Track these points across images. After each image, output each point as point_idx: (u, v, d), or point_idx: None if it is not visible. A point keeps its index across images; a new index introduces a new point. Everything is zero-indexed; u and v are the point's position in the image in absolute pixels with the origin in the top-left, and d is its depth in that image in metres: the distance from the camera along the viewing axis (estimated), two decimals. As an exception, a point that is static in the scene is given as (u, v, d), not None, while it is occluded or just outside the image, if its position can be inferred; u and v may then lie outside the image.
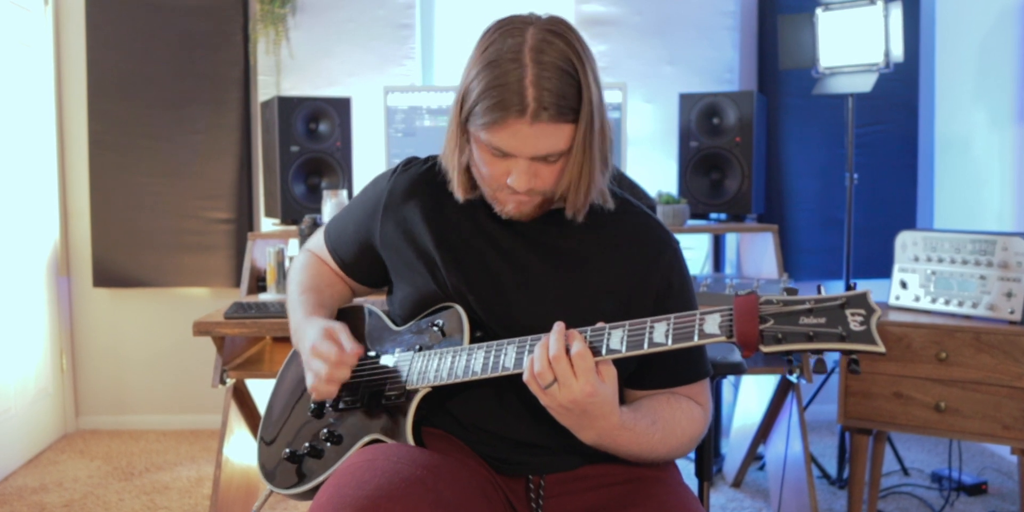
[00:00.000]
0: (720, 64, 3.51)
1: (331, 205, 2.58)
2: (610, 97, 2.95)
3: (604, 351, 1.14)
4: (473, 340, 1.27)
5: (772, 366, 2.46)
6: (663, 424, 1.25)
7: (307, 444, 1.32)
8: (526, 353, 1.19)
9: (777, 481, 2.64)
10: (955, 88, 3.49)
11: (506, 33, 1.20)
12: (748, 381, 3.18)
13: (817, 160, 3.51)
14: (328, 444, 1.31)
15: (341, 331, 1.31)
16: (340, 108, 3.02)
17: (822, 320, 1.04)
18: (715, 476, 3.09)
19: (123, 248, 3.56)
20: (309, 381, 1.31)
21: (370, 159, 3.29)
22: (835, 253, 3.45)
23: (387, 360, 1.35)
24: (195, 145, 3.53)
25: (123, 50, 3.50)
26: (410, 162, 1.43)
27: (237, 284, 3.55)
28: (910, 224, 3.53)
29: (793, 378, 2.47)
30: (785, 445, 2.53)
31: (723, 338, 1.08)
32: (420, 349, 1.31)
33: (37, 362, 3.35)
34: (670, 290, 1.32)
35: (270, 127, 3.02)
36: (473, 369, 1.23)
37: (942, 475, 2.90)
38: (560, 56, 1.18)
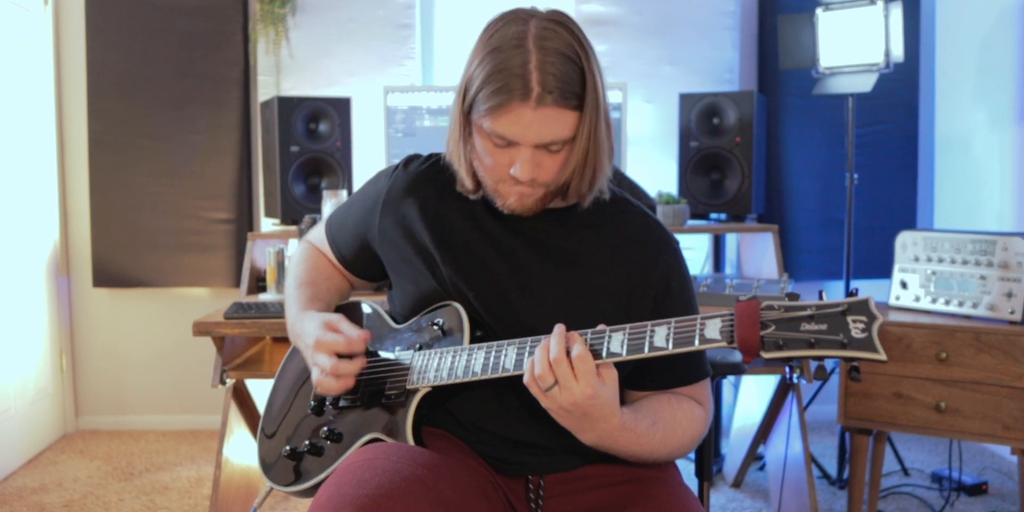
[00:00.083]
0: (720, 64, 3.51)
1: (331, 205, 2.58)
2: (610, 97, 2.90)
3: (604, 354, 1.14)
4: (473, 339, 1.27)
5: (772, 366, 2.46)
6: (664, 424, 1.25)
7: (307, 441, 1.32)
8: (526, 355, 1.19)
9: (777, 481, 2.64)
10: (955, 88, 3.48)
11: (509, 23, 1.21)
12: (748, 381, 3.18)
13: (817, 160, 3.51)
14: (328, 442, 1.31)
15: (341, 321, 1.30)
16: (340, 108, 3.02)
17: (823, 327, 1.04)
18: (715, 476, 3.08)
19: (123, 248, 3.56)
20: (315, 376, 1.28)
21: (370, 159, 3.29)
22: (835, 253, 3.45)
23: (387, 358, 1.35)
24: (195, 145, 3.53)
25: (123, 50, 3.49)
26: (411, 160, 1.43)
27: (237, 284, 3.55)
28: (910, 224, 3.53)
29: (793, 379, 2.47)
30: (785, 445, 2.53)
31: (724, 343, 1.08)
32: (420, 348, 1.31)
33: (37, 362, 3.35)
34: (669, 291, 1.32)
35: (270, 127, 3.02)
36: (473, 369, 1.22)
37: (942, 475, 2.90)
38: (564, 43, 1.19)
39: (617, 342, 1.14)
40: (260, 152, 3.41)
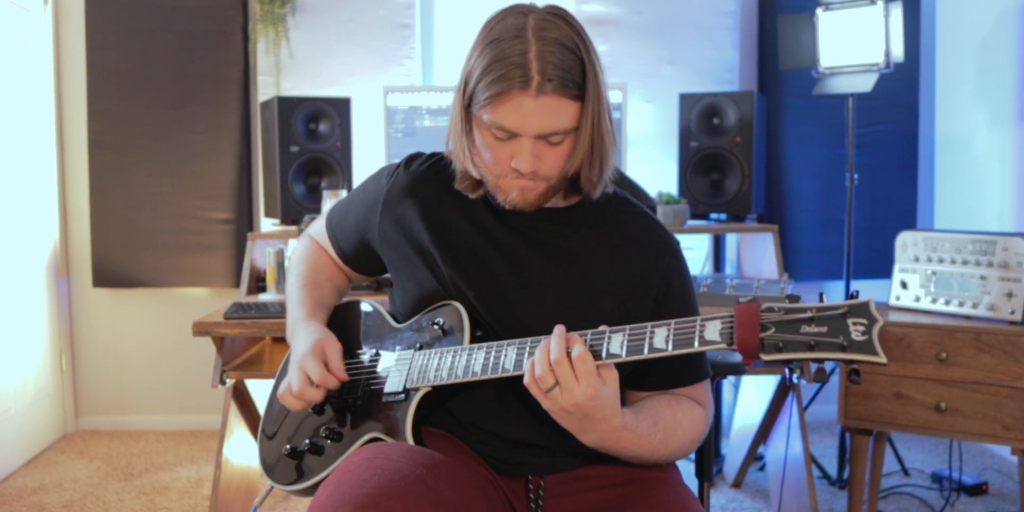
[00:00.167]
0: (720, 64, 3.51)
1: (331, 205, 2.57)
2: (610, 97, 2.93)
3: (604, 355, 1.14)
4: (473, 339, 1.27)
5: (772, 366, 2.46)
6: (664, 425, 1.24)
7: (307, 441, 1.32)
8: (526, 355, 1.18)
9: (777, 481, 2.64)
10: (955, 88, 3.48)
11: (508, 16, 1.22)
12: (748, 381, 3.18)
13: (817, 160, 3.50)
14: (328, 441, 1.31)
15: (334, 353, 1.32)
16: (340, 108, 3.02)
17: (823, 329, 1.03)
18: (715, 476, 3.08)
19: (123, 248, 3.56)
20: (282, 388, 1.32)
21: (370, 159, 3.29)
22: (835, 253, 3.45)
23: (387, 358, 1.35)
24: (195, 145, 3.53)
25: (123, 50, 3.49)
26: (412, 159, 1.43)
27: (237, 284, 3.55)
28: (910, 224, 3.53)
29: (794, 379, 2.47)
30: (785, 445, 2.53)
31: (723, 345, 1.08)
32: (420, 347, 1.31)
33: (37, 362, 3.35)
34: (670, 291, 1.32)
35: (270, 127, 3.02)
36: (473, 369, 1.22)
37: (942, 475, 2.90)
38: (563, 34, 1.19)
39: (617, 343, 1.14)
40: (260, 152, 3.41)
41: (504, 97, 1.17)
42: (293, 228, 2.92)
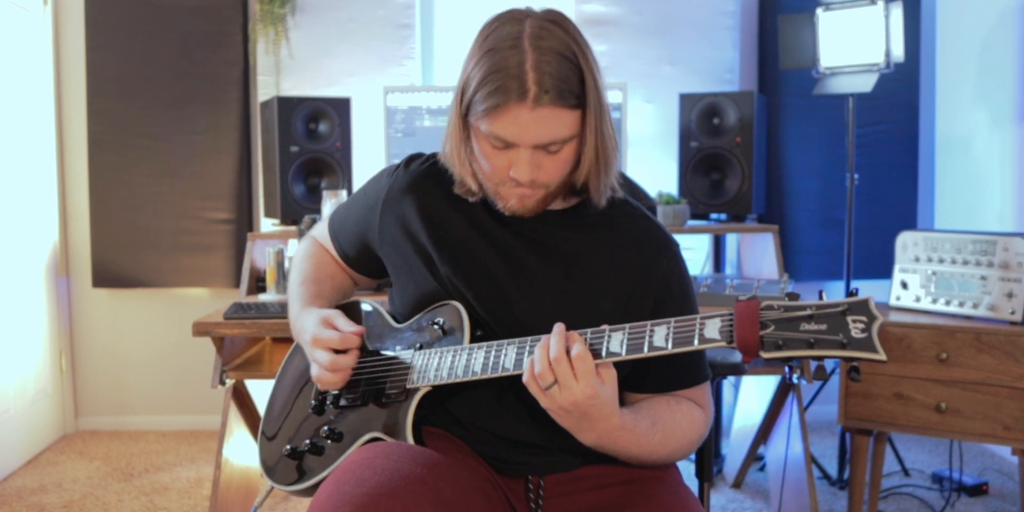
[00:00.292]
0: (720, 64, 3.51)
1: (331, 205, 2.58)
2: (610, 97, 2.90)
3: (604, 353, 1.14)
4: (473, 339, 1.27)
5: (772, 367, 2.45)
6: (663, 426, 1.24)
7: (308, 441, 1.32)
8: (526, 354, 1.18)
9: (777, 482, 2.64)
10: (956, 88, 3.48)
11: (504, 23, 1.21)
12: (748, 382, 3.18)
13: (817, 160, 3.50)
14: (328, 441, 1.31)
15: (337, 316, 1.33)
16: (340, 108, 3.02)
17: (823, 327, 1.04)
18: (715, 477, 3.08)
19: (123, 248, 3.56)
20: (314, 372, 1.32)
21: (370, 159, 3.29)
22: (835, 253, 3.45)
23: (387, 357, 1.35)
24: (195, 145, 3.53)
25: (123, 50, 3.49)
26: (412, 159, 1.43)
27: (237, 284, 3.55)
28: (911, 224, 3.53)
29: (794, 379, 2.47)
30: (785, 446, 2.52)
31: (723, 343, 1.08)
32: (420, 347, 1.31)
33: (36, 363, 3.35)
34: (669, 293, 1.31)
35: (270, 127, 3.01)
36: (473, 369, 1.22)
37: (943, 476, 2.89)
38: (559, 43, 1.18)
39: (616, 342, 1.14)
40: (260, 152, 3.41)
41: (501, 109, 1.17)
42: (293, 228, 2.92)
